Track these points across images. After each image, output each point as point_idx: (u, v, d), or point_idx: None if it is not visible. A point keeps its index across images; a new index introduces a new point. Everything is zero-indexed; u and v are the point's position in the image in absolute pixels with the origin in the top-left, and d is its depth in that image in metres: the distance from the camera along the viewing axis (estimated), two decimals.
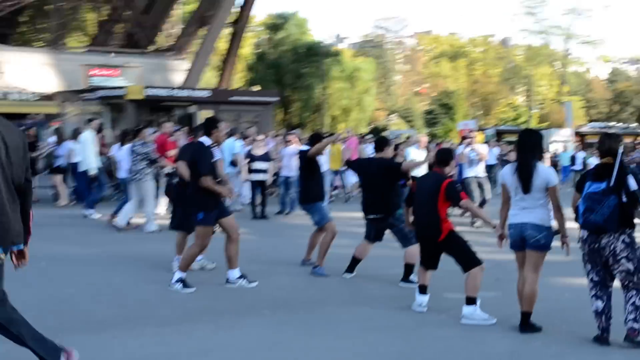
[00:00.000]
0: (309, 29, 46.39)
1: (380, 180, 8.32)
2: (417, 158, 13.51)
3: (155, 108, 24.43)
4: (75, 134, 15.53)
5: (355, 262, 8.79)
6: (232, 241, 8.10)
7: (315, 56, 46.53)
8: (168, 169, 12.45)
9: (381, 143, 8.87)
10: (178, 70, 37.33)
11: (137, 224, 12.46)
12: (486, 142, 20.13)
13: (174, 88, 24.99)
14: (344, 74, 47.63)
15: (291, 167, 14.46)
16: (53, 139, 17.05)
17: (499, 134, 36.82)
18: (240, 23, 39.68)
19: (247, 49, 52.64)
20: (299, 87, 47.09)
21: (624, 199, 5.84)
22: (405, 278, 8.44)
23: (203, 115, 22.78)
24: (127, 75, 33.72)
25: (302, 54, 46.87)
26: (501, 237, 6.73)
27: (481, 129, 37.19)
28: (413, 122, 54.29)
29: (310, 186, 9.31)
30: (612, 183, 5.88)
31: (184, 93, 24.01)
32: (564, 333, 6.44)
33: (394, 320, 6.89)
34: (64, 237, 11.61)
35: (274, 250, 10.87)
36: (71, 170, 15.64)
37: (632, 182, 5.85)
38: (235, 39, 40.09)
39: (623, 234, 5.90)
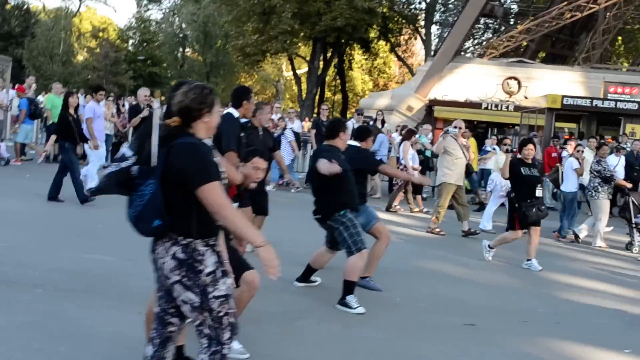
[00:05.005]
0: None
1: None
2: None
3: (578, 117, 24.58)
4: None
5: (309, 271, 7.89)
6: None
7: None
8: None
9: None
10: None
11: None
12: None
13: (596, 99, 24.58)
14: None
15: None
16: None
17: None
18: None
19: None
20: None
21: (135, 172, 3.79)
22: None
23: (628, 128, 22.45)
24: None
25: None
26: None
27: None
28: None
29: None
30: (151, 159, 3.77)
31: (608, 104, 23.53)
32: None
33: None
34: None
35: None
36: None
37: (126, 151, 3.90)
38: None
39: (176, 244, 3.75)
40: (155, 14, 66.03)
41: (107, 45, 48.26)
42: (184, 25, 58.14)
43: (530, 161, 10.18)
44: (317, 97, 49.82)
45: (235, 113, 7.41)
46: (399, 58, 55.69)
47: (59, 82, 18.98)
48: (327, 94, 61.13)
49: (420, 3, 50.33)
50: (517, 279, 9.55)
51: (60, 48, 46.51)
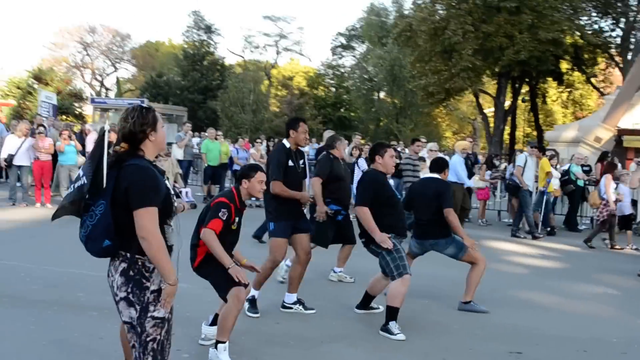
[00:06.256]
0: None
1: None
2: None
3: None
4: None
5: (367, 298, 7.88)
6: (299, 262, 7.73)
7: None
8: None
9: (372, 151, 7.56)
10: None
11: None
12: None
13: None
14: None
15: None
16: None
17: None
18: None
19: None
20: None
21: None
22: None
23: None
24: None
25: None
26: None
27: None
28: None
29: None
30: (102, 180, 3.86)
31: None
32: None
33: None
34: None
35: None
36: None
37: (79, 172, 3.99)
38: None
39: (125, 260, 3.86)
40: (348, 60, 67.78)
41: (293, 92, 50.32)
42: (374, 70, 59.31)
43: None
44: (509, 132, 48.76)
45: (287, 143, 7.70)
46: (595, 88, 53.05)
47: (212, 128, 19.98)
48: (527, 129, 59.44)
49: (613, 30, 47.78)
50: (615, 310, 8.91)
51: (250, 98, 49.06)
